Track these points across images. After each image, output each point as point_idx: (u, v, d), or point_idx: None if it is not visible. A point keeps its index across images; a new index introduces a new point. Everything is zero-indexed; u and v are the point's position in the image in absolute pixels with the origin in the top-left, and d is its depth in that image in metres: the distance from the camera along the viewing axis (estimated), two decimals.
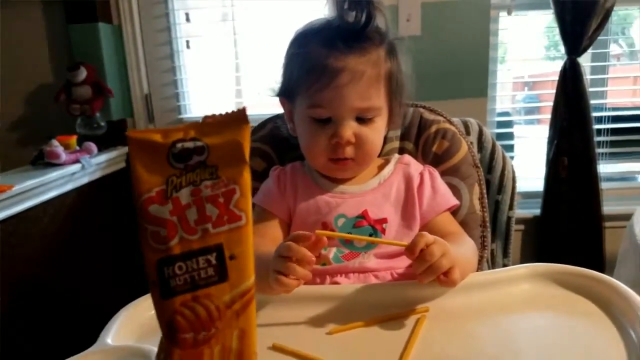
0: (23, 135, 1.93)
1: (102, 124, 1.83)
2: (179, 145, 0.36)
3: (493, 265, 0.99)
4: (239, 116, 0.37)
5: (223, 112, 0.38)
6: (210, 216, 0.37)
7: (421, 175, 0.79)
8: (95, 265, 1.72)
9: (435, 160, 0.86)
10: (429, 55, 1.75)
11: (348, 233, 0.74)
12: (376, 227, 0.74)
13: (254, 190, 0.82)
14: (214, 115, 0.38)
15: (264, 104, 1.72)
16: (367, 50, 0.72)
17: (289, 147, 0.89)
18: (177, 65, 1.93)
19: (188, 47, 1.90)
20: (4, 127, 1.92)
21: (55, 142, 1.58)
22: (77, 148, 1.67)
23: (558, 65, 1.74)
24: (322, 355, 0.53)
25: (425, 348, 0.55)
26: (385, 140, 0.88)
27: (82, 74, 1.75)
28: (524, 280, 0.67)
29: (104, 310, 0.65)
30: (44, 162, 1.55)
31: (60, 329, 1.48)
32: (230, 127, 0.37)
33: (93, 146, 1.69)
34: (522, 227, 1.87)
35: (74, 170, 1.58)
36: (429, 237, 0.58)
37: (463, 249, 0.69)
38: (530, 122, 2.14)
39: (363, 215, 0.74)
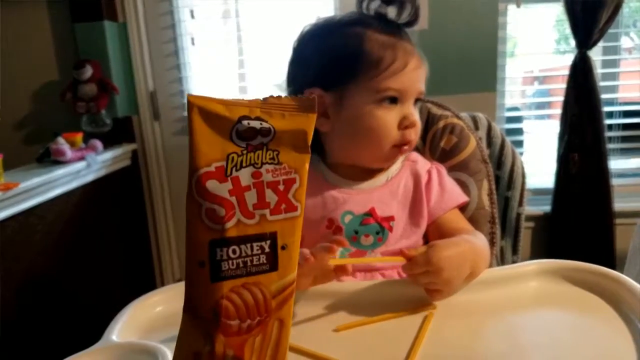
0: (29, 133, 1.94)
1: (108, 121, 1.83)
2: (245, 122, 0.35)
3: (502, 262, 0.98)
4: (308, 104, 0.37)
5: (288, 96, 0.37)
6: (269, 202, 0.36)
7: (429, 172, 0.78)
8: (100, 262, 1.72)
9: (443, 155, 0.85)
10: (437, 50, 1.72)
11: (354, 231, 0.73)
12: (383, 225, 0.73)
13: None
14: (279, 97, 0.37)
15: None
16: (414, 42, 0.75)
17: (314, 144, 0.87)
18: (182, 63, 1.92)
19: (193, 44, 1.89)
20: (10, 125, 1.93)
21: (61, 140, 1.59)
22: (83, 145, 1.67)
23: (568, 59, 1.71)
24: (329, 353, 0.52)
25: (433, 345, 0.53)
26: None
27: (88, 71, 1.76)
28: (532, 276, 0.66)
29: (110, 307, 0.65)
30: (50, 159, 1.56)
31: (66, 326, 1.48)
32: (297, 113, 0.36)
33: (98, 143, 1.69)
34: (532, 224, 1.85)
35: (80, 168, 1.58)
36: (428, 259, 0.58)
37: (480, 246, 0.68)
38: (540, 117, 2.11)
39: (370, 213, 0.73)
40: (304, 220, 0.73)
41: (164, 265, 2.07)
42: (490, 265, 0.81)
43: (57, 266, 1.49)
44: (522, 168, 0.97)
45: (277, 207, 0.36)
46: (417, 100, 0.74)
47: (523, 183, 0.97)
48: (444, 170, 0.80)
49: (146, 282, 1.99)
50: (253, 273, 0.36)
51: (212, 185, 0.35)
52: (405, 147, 0.74)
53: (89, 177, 1.66)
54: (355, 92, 0.72)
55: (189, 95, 0.35)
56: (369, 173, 0.77)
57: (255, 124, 0.35)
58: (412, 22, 0.74)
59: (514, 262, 0.99)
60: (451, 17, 1.72)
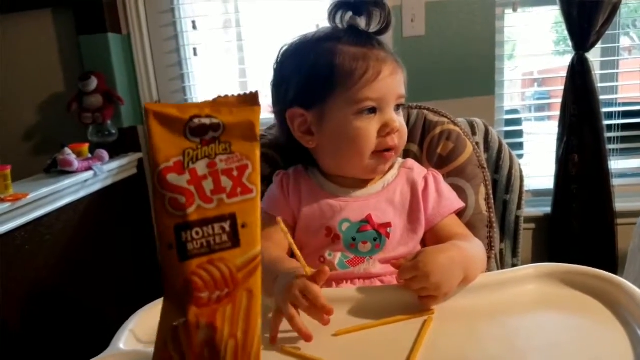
0: (36, 144, 1.97)
1: (113, 131, 1.86)
2: (196, 120, 0.39)
3: (502, 265, 0.99)
4: (251, 98, 0.41)
5: (235, 94, 0.42)
6: (225, 187, 0.41)
7: (425, 179, 0.80)
8: (107, 270, 1.74)
9: (440, 161, 0.87)
10: (435, 55, 1.75)
11: (352, 238, 0.75)
12: (380, 232, 0.75)
13: (261, 194, 0.83)
14: (226, 96, 0.42)
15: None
16: (389, 49, 0.77)
17: (295, 152, 0.88)
18: (186, 73, 1.95)
19: (195, 54, 1.92)
20: (18, 136, 1.96)
21: (67, 150, 1.61)
22: (89, 155, 1.70)
23: (567, 60, 1.72)
24: (328, 357, 0.54)
25: (432, 350, 0.55)
26: None
27: (93, 83, 1.79)
28: (531, 280, 0.67)
29: (118, 316, 0.66)
30: (58, 170, 1.58)
31: (74, 335, 1.50)
32: (243, 107, 0.41)
33: (105, 153, 1.72)
34: (532, 225, 1.86)
35: (87, 178, 1.61)
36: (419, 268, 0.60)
37: (472, 250, 0.69)
38: (540, 119, 2.12)
39: (367, 220, 0.75)
40: (305, 229, 0.77)
41: None
42: (490, 269, 0.83)
43: (65, 275, 1.52)
44: (520, 171, 0.98)
45: (233, 191, 0.41)
46: (399, 105, 0.76)
47: (521, 186, 0.98)
48: (440, 177, 0.82)
49: (154, 290, 2.00)
50: (216, 250, 0.41)
51: (172, 177, 0.40)
52: (388, 153, 0.75)
53: (96, 187, 1.68)
54: (334, 106, 0.74)
55: (146, 104, 0.39)
56: (365, 181, 0.79)
57: (206, 120, 0.40)
58: (382, 30, 0.76)
59: (513, 264, 1.00)
60: (448, 22, 1.74)
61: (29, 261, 1.36)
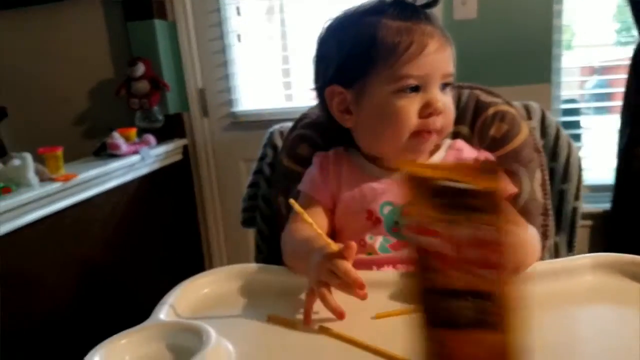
0: (87, 128, 2.04)
1: (160, 117, 1.90)
2: (445, 184, 0.37)
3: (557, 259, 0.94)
4: (491, 166, 0.38)
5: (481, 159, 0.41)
6: (485, 261, 0.37)
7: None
8: (153, 251, 1.79)
9: (493, 144, 0.81)
10: (487, 40, 1.67)
11: (395, 221, 0.71)
12: None
13: (301, 176, 0.81)
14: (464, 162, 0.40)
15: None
16: (438, 23, 0.71)
17: (336, 132, 0.84)
18: (229, 59, 1.96)
19: (239, 40, 1.92)
20: (69, 121, 2.04)
21: (116, 134, 1.66)
22: (137, 140, 1.74)
23: (630, 51, 1.60)
24: (368, 340, 0.52)
25: None
26: None
27: (140, 69, 1.83)
28: (587, 270, 0.62)
29: (162, 292, 0.67)
30: (106, 153, 1.63)
31: (120, 310, 1.55)
32: (487, 176, 0.37)
33: (152, 138, 1.76)
34: (589, 222, 1.75)
35: (134, 161, 1.65)
36: None
37: (525, 236, 0.65)
38: (599, 110, 1.99)
39: None
40: (345, 212, 0.74)
41: (213, 253, 2.13)
42: (544, 260, 0.78)
43: (113, 254, 1.57)
44: (579, 160, 0.91)
45: (490, 266, 0.37)
46: (446, 85, 0.71)
47: (579, 176, 0.91)
48: (492, 159, 0.77)
49: (195, 269, 2.04)
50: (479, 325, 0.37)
51: (422, 239, 0.38)
52: (427, 134, 0.70)
53: (143, 170, 1.73)
54: (374, 84, 0.70)
55: (404, 166, 0.39)
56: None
57: (455, 185, 0.37)
58: (431, 3, 0.71)
59: None
60: (502, 4, 1.66)
61: (79, 240, 1.41)
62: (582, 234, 1.74)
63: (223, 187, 2.08)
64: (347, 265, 0.55)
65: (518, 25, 1.66)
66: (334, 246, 0.57)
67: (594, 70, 1.97)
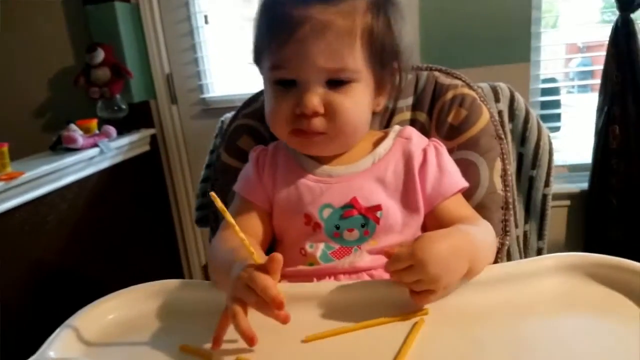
0: (46, 121, 1.93)
1: (123, 106, 1.80)
2: None
3: (525, 248, 0.87)
4: None
5: None
6: None
7: (424, 152, 0.66)
8: (121, 251, 1.71)
9: (451, 132, 0.74)
10: (465, 17, 1.58)
11: (336, 226, 0.63)
12: (368, 216, 0.63)
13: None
14: None
15: None
16: (346, 2, 0.60)
17: None
18: (197, 42, 1.86)
19: (207, 22, 1.82)
20: (27, 113, 1.92)
21: (73, 127, 1.57)
22: (97, 132, 1.65)
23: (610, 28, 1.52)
24: None
25: (423, 359, 0.45)
26: (394, 111, 0.77)
27: (100, 55, 1.72)
28: (549, 274, 0.55)
29: None
30: (62, 147, 1.54)
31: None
32: None
33: (112, 130, 1.67)
34: (567, 202, 1.70)
35: (93, 155, 1.56)
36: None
37: (480, 236, 0.58)
38: (580, 89, 1.92)
39: (352, 204, 0.63)
40: (281, 216, 0.65)
41: (190, 252, 2.06)
42: (501, 259, 0.71)
43: (70, 256, 1.48)
44: (550, 144, 0.85)
45: None
46: (337, 81, 0.60)
47: (550, 161, 0.85)
48: (443, 148, 0.69)
49: (173, 272, 1.97)
50: None
51: None
52: (307, 135, 0.62)
53: (104, 164, 1.64)
54: (263, 66, 0.64)
55: None
56: (350, 155, 0.67)
57: None
58: None
59: (539, 248, 0.88)
60: None
61: (29, 242, 1.32)
62: (560, 214, 1.69)
63: (197, 178, 1.97)
64: (267, 280, 0.47)
65: (497, 2, 1.57)
66: (258, 258, 0.49)
67: (578, 49, 1.89)
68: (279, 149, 0.71)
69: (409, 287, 0.51)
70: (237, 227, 0.49)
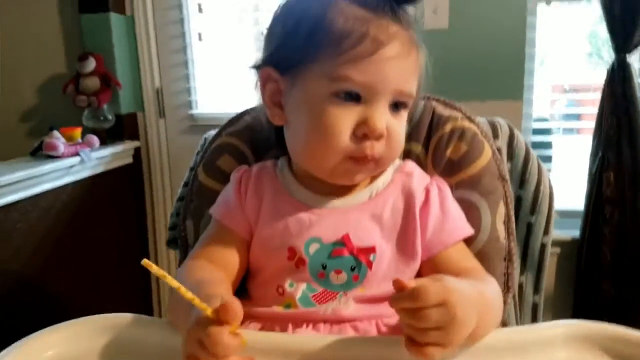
0: (34, 126, 1.87)
1: (110, 117, 1.75)
2: None
3: (520, 301, 0.81)
4: None
5: None
6: None
7: (427, 191, 0.61)
8: (91, 263, 1.62)
9: (449, 168, 0.68)
10: (457, 52, 1.57)
11: (322, 265, 0.57)
12: (360, 259, 0.56)
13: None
14: None
15: None
16: (410, 26, 0.57)
17: (270, 146, 0.71)
18: (190, 59, 1.83)
19: (200, 39, 1.80)
20: (16, 117, 1.86)
21: (56, 134, 1.51)
22: (80, 141, 1.59)
23: (605, 70, 1.52)
24: None
25: None
26: None
27: (91, 64, 1.69)
28: (559, 345, 0.49)
29: (91, 312, 0.55)
30: (43, 153, 1.48)
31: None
32: None
33: (95, 139, 1.62)
34: (558, 250, 1.67)
35: (73, 163, 1.50)
36: (434, 290, 0.42)
37: (491, 295, 0.52)
38: (571, 130, 1.92)
39: (343, 241, 0.56)
40: (261, 247, 0.58)
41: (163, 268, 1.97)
42: (504, 315, 0.65)
43: (37, 267, 1.40)
44: (550, 188, 0.80)
45: None
46: (399, 105, 0.57)
47: (550, 207, 0.80)
48: (447, 190, 0.64)
49: (143, 294, 1.89)
50: None
51: None
52: (365, 162, 0.56)
53: (84, 174, 1.57)
54: (310, 76, 0.55)
55: None
56: (348, 187, 0.61)
57: None
58: None
59: (534, 304, 0.82)
60: (474, 15, 1.57)
61: None
62: (550, 262, 1.64)
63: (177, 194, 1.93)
64: (220, 334, 0.41)
65: (490, 38, 1.57)
66: (207, 309, 0.42)
67: (564, 90, 1.90)
68: (264, 171, 0.65)
69: (411, 335, 0.43)
70: (183, 289, 0.43)
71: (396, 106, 0.57)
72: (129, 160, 1.82)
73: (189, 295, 0.42)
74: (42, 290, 1.41)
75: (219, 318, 0.41)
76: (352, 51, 0.53)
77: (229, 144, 0.73)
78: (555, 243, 1.63)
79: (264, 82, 0.61)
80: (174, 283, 0.43)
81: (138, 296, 1.88)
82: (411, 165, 0.65)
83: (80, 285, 1.54)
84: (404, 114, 0.59)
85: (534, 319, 0.82)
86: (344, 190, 0.61)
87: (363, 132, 0.54)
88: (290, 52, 0.57)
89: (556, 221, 1.74)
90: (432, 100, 0.74)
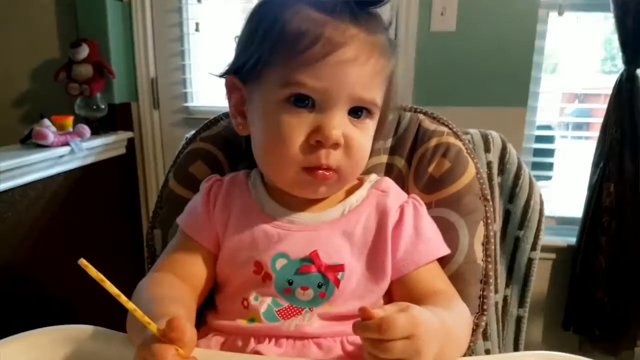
0: (25, 112, 1.85)
1: (103, 106, 1.72)
2: None
3: (504, 316, 0.80)
4: None
5: None
6: None
7: (401, 209, 0.59)
8: (78, 256, 1.60)
9: (431, 184, 0.66)
10: (464, 56, 1.55)
11: (288, 281, 0.55)
12: (328, 276, 0.54)
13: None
14: None
15: None
16: (375, 31, 0.54)
17: (247, 152, 0.68)
18: (186, 49, 1.79)
19: (197, 29, 1.76)
20: (7, 103, 1.83)
21: (46, 122, 1.49)
22: (71, 130, 1.57)
23: (614, 79, 1.49)
24: None
25: None
26: (371, 152, 0.70)
27: (84, 51, 1.65)
28: None
29: (88, 310, 0.51)
30: (32, 142, 1.46)
31: (30, 324, 1.37)
32: None
33: (86, 129, 1.59)
34: (553, 255, 1.65)
35: (63, 153, 1.48)
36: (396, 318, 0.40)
37: (456, 325, 0.51)
38: (575, 139, 1.88)
39: (311, 258, 0.55)
40: (228, 260, 0.54)
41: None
42: (474, 343, 0.63)
43: (24, 259, 1.38)
44: (541, 204, 0.78)
45: None
46: (359, 112, 0.54)
47: (540, 222, 0.79)
48: (423, 208, 0.61)
49: (134, 286, 1.87)
50: None
51: None
52: (321, 173, 0.53)
53: (74, 164, 1.55)
54: (266, 82, 0.53)
55: None
56: (320, 201, 0.59)
57: None
58: (374, 1, 0.53)
59: (519, 317, 0.81)
60: (482, 20, 1.53)
61: None
62: (544, 266, 1.64)
63: None
64: (164, 353, 0.39)
65: (498, 43, 1.54)
66: (153, 326, 0.40)
67: (575, 97, 1.86)
68: (236, 182, 0.63)
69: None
70: (123, 297, 0.41)
71: (357, 114, 0.54)
72: (122, 151, 1.80)
73: (130, 305, 0.41)
74: (28, 282, 1.39)
75: (168, 336, 0.39)
76: (304, 54, 0.50)
77: (203, 150, 0.71)
78: (551, 249, 1.62)
79: (228, 91, 0.60)
80: (114, 290, 0.41)
81: (130, 290, 1.86)
82: (387, 182, 0.63)
83: (68, 278, 1.52)
84: (369, 124, 0.56)
85: (518, 332, 0.82)
86: (317, 205, 0.59)
87: (316, 139, 0.52)
88: (248, 58, 0.55)
89: (553, 227, 1.73)
90: (419, 113, 0.71)
